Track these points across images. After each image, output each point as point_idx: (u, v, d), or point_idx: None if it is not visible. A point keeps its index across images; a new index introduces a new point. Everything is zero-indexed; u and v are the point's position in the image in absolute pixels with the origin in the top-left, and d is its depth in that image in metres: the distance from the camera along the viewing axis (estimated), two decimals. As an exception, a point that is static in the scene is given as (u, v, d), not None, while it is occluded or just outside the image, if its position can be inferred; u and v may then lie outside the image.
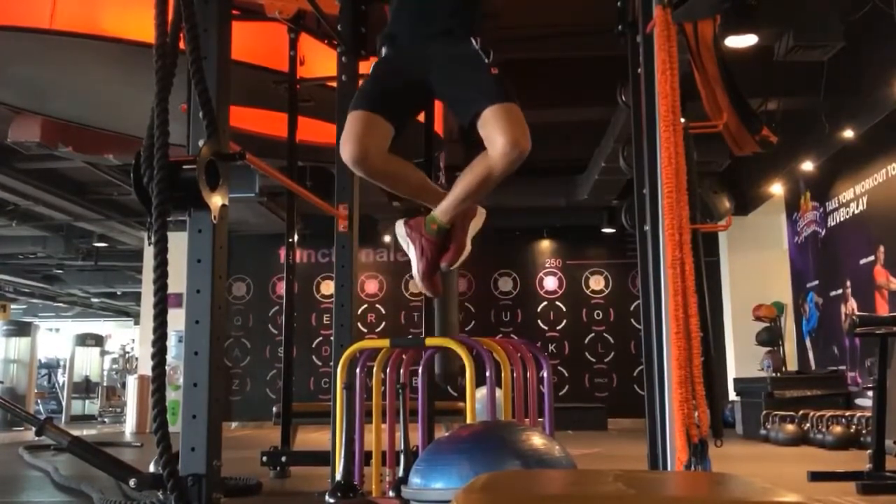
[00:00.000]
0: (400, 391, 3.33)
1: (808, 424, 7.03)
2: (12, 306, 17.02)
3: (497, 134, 2.24)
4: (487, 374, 3.16)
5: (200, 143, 2.40)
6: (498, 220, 4.25)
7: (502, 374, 3.24)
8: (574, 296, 11.41)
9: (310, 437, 6.45)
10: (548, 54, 6.41)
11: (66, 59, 4.87)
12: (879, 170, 7.31)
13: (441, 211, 2.44)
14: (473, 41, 2.43)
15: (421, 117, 4.11)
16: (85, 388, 15.85)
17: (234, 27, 2.68)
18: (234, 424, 10.67)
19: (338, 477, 3.30)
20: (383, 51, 2.53)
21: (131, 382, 10.96)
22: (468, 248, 2.52)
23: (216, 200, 2.41)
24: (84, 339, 16.23)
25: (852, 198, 7.94)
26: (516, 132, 2.24)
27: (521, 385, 3.29)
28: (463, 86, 2.41)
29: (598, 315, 11.34)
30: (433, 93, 2.55)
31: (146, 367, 10.16)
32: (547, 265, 11.55)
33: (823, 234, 8.76)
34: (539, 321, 11.39)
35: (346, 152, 2.34)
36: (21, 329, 13.64)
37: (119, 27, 4.48)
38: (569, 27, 5.25)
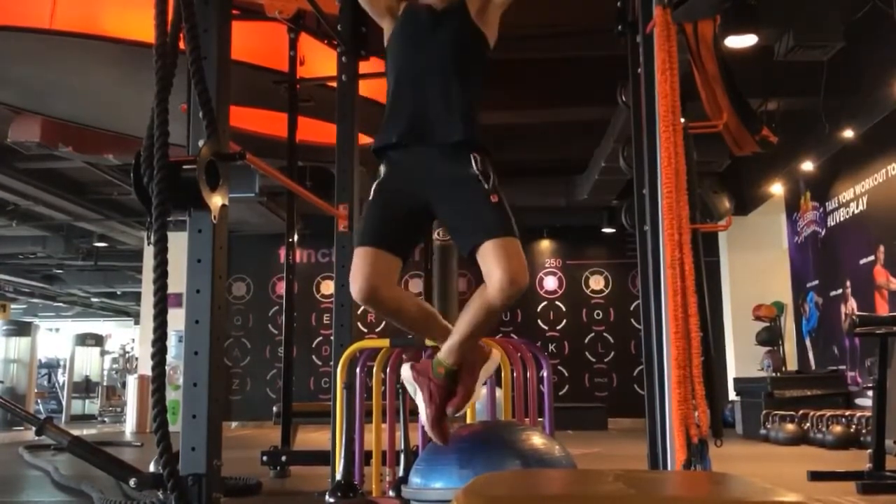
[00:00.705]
0: (400, 391, 3.33)
1: (808, 424, 7.03)
2: (12, 306, 17.02)
3: (495, 268, 2.20)
4: (487, 374, 3.15)
5: (200, 143, 2.40)
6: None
7: (502, 374, 3.24)
8: (574, 296, 11.41)
9: (310, 437, 6.45)
10: (548, 54, 6.40)
11: (66, 59, 4.88)
12: (879, 170, 7.31)
13: (446, 352, 2.37)
14: (473, 161, 2.35)
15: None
16: (85, 387, 15.84)
17: (234, 27, 2.68)
18: (234, 424, 10.68)
19: (338, 477, 3.30)
20: (381, 170, 2.46)
21: (131, 382, 10.97)
22: (478, 392, 2.45)
23: (216, 200, 2.41)
24: (84, 339, 16.23)
25: (852, 198, 7.93)
26: (514, 268, 2.21)
27: (521, 385, 3.29)
28: (463, 215, 2.35)
29: (598, 315, 11.34)
30: (434, 215, 2.46)
31: (146, 367, 10.16)
32: (547, 265, 11.55)
33: (823, 234, 8.76)
34: (539, 321, 11.39)
35: (356, 290, 2.30)
36: (21, 329, 13.63)
37: (119, 27, 4.48)
38: (569, 27, 5.25)
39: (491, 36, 2.54)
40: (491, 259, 2.22)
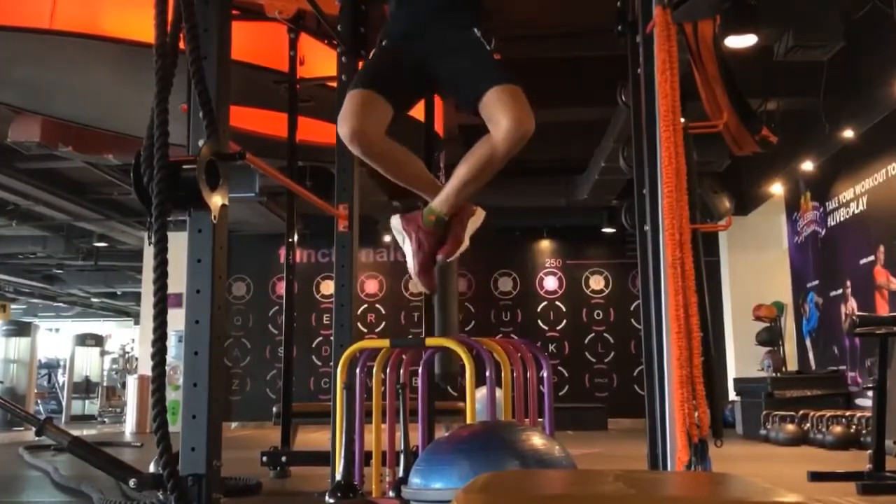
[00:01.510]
0: (400, 391, 3.33)
1: (808, 424, 7.03)
2: (12, 306, 17.02)
3: (501, 114, 2.23)
4: (487, 374, 3.16)
5: (200, 143, 2.40)
6: (498, 220, 4.26)
7: (502, 374, 3.24)
8: (574, 296, 11.41)
9: (310, 437, 6.45)
10: (548, 54, 6.40)
11: (67, 59, 4.87)
12: (879, 170, 7.31)
13: (441, 200, 2.42)
14: (476, 30, 2.44)
15: (421, 117, 4.11)
16: (85, 388, 15.85)
17: (234, 27, 2.68)
18: (234, 424, 10.68)
19: (338, 477, 3.30)
20: (383, 42, 2.53)
21: (131, 382, 10.97)
22: (466, 243, 2.49)
23: (216, 200, 2.40)
24: (84, 339, 16.23)
25: (852, 198, 7.93)
26: (520, 112, 2.24)
27: (521, 385, 3.29)
28: (465, 68, 2.40)
29: (598, 315, 11.34)
30: (434, 78, 2.53)
31: (146, 367, 10.16)
32: (547, 265, 11.55)
33: (823, 233, 8.76)
34: (539, 321, 11.39)
35: (344, 129, 2.32)
36: (21, 329, 13.64)
37: (119, 27, 4.48)
38: (569, 27, 5.25)
39: None
40: (497, 105, 2.26)
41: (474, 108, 2.32)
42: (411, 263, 2.47)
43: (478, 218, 2.55)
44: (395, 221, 2.51)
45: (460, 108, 2.51)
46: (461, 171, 2.37)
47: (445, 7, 2.48)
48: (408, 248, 2.47)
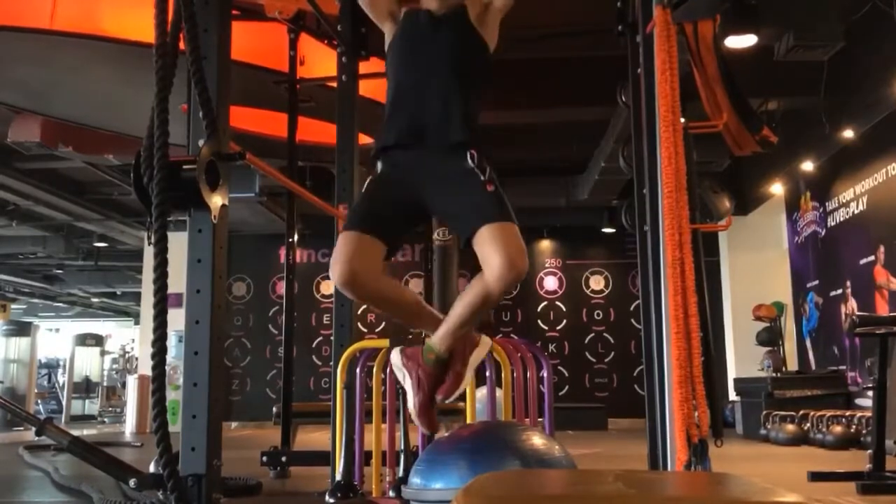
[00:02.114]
0: (400, 391, 3.33)
1: (808, 424, 7.03)
2: (12, 306, 17.02)
3: (493, 255, 2.18)
4: (487, 374, 3.16)
5: (200, 143, 2.40)
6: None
7: (502, 374, 3.24)
8: (574, 296, 11.42)
9: (310, 437, 6.45)
10: (548, 54, 6.39)
11: (67, 59, 4.88)
12: (879, 170, 7.31)
13: (438, 339, 2.35)
14: (469, 157, 2.35)
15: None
16: (85, 388, 15.85)
17: (234, 27, 2.68)
18: (234, 424, 10.68)
19: (338, 477, 3.30)
20: (378, 166, 2.46)
21: (131, 382, 10.97)
22: (467, 378, 2.42)
23: (216, 200, 2.41)
24: (84, 339, 16.23)
25: (852, 198, 7.93)
26: (512, 253, 2.18)
27: (521, 385, 3.29)
28: (459, 204, 2.34)
29: (598, 315, 11.34)
30: (428, 210, 2.48)
31: (146, 367, 10.16)
32: (547, 265, 11.55)
33: (823, 234, 8.76)
34: (539, 321, 11.39)
35: (335, 274, 2.27)
36: (21, 329, 13.65)
37: (119, 27, 4.48)
38: (569, 27, 5.24)
39: (491, 41, 2.54)
40: (488, 244, 2.21)
41: (468, 245, 2.28)
42: (411, 402, 2.39)
43: (482, 349, 2.48)
44: (396, 357, 2.44)
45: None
46: (457, 311, 2.32)
47: (442, 117, 2.40)
48: (408, 385, 2.40)
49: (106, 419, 14.31)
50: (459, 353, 2.38)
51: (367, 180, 2.47)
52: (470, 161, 2.35)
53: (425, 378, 2.36)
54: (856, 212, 7.88)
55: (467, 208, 2.31)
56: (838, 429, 6.54)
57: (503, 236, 2.21)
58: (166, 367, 2.26)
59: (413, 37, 2.52)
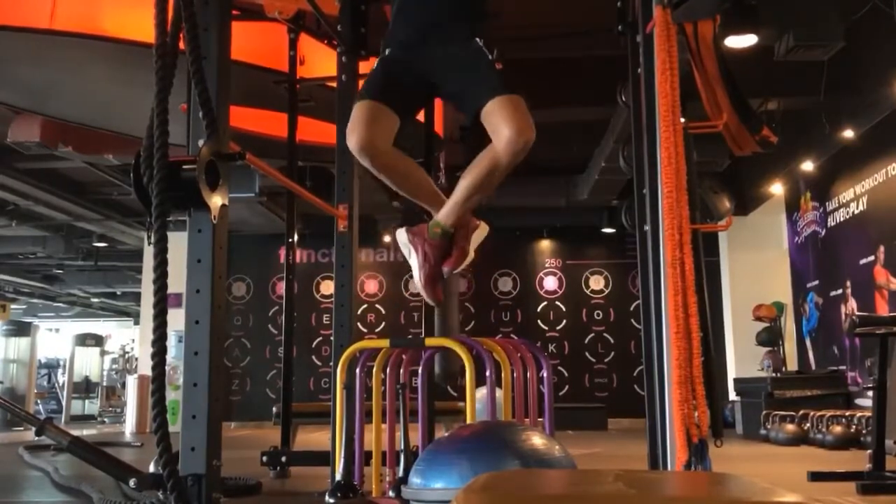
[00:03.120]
0: (400, 391, 3.33)
1: (808, 424, 7.03)
2: (12, 306, 17.02)
3: (502, 124, 2.26)
4: (487, 374, 3.16)
5: (200, 143, 2.39)
6: (498, 220, 4.25)
7: (502, 374, 3.24)
8: (574, 296, 11.42)
9: (310, 437, 6.45)
10: (548, 54, 6.40)
11: (66, 59, 4.87)
12: (879, 170, 7.31)
13: (446, 213, 2.44)
14: (477, 40, 2.44)
15: (421, 117, 4.11)
16: (85, 388, 15.86)
17: (234, 27, 2.68)
18: (234, 424, 10.67)
19: (338, 477, 3.30)
20: (386, 52, 2.54)
21: (131, 382, 10.97)
22: (471, 255, 2.50)
23: (216, 200, 2.40)
24: (84, 339, 16.24)
25: (852, 198, 7.94)
26: (521, 122, 2.26)
27: (521, 385, 3.29)
28: (467, 79, 2.42)
29: (598, 315, 11.34)
30: (437, 88, 2.55)
31: (146, 367, 10.16)
32: (547, 265, 11.55)
33: (823, 234, 8.76)
34: (539, 321, 11.39)
35: (353, 139, 2.34)
36: (21, 329, 13.65)
37: (119, 27, 4.48)
38: (569, 27, 5.25)
39: None
40: (498, 115, 2.29)
41: (476, 118, 2.34)
42: (417, 276, 2.47)
43: (482, 231, 2.57)
44: (402, 235, 2.52)
45: (463, 116, 2.51)
46: (465, 183, 2.38)
47: (447, 16, 2.49)
48: (414, 261, 2.48)
49: (106, 419, 14.31)
50: (463, 229, 2.48)
51: (378, 58, 2.53)
52: (479, 41, 2.44)
53: (431, 251, 2.44)
54: (856, 212, 7.88)
55: (476, 82, 2.40)
56: (838, 429, 6.54)
57: (513, 107, 2.30)
58: (166, 367, 2.26)
59: None
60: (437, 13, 2.49)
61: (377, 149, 2.35)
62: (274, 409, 6.14)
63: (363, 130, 2.33)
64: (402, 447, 3.33)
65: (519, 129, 2.25)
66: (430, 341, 3.33)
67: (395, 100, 2.41)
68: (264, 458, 4.60)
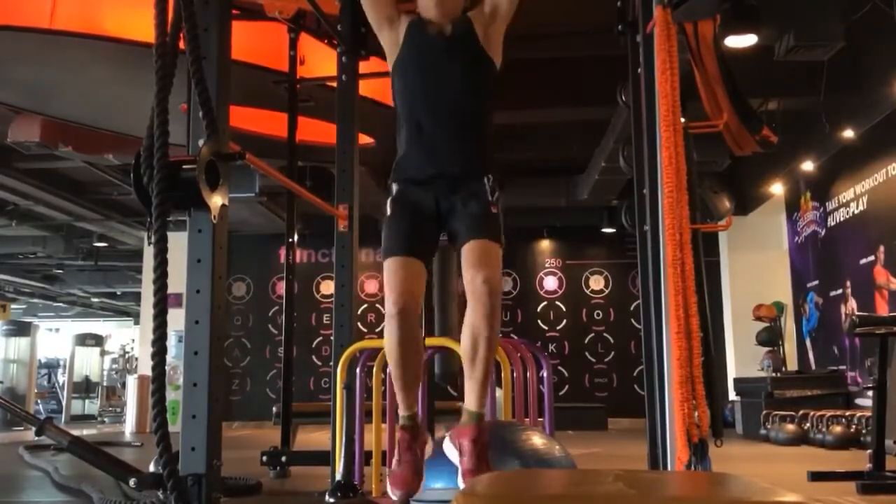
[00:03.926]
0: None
1: (808, 424, 7.03)
2: (12, 306, 17.02)
3: (472, 269, 2.28)
4: (487, 374, 3.15)
5: (200, 143, 2.39)
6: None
7: (502, 374, 3.24)
8: (574, 296, 11.41)
9: (310, 437, 6.45)
10: (548, 54, 6.40)
11: (67, 59, 4.87)
12: (879, 170, 7.31)
13: (477, 399, 2.33)
14: (486, 180, 2.45)
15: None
16: (85, 388, 15.85)
17: (234, 27, 2.68)
18: (234, 424, 10.67)
19: (338, 477, 3.30)
20: (394, 187, 2.51)
21: (131, 382, 10.97)
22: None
23: (216, 200, 2.40)
24: (84, 339, 16.23)
25: (852, 198, 7.93)
26: (489, 269, 2.27)
27: (521, 385, 3.29)
28: (462, 217, 2.42)
29: (598, 315, 11.34)
30: (444, 224, 2.51)
31: (146, 367, 10.16)
32: (547, 265, 11.55)
33: (823, 234, 8.76)
34: (539, 321, 11.39)
35: (395, 301, 2.29)
36: (21, 329, 13.64)
37: (119, 27, 4.48)
38: (569, 27, 5.24)
39: (497, 59, 2.57)
40: (470, 257, 2.31)
41: (459, 249, 2.37)
42: (467, 470, 2.28)
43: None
44: (447, 446, 2.38)
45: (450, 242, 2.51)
46: (477, 373, 2.30)
47: (461, 153, 2.47)
48: (466, 453, 2.31)
49: (106, 419, 14.31)
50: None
51: (388, 204, 2.50)
52: (486, 182, 2.45)
53: (465, 440, 2.32)
54: (856, 212, 7.88)
55: (467, 221, 2.40)
56: (838, 429, 6.54)
57: (485, 252, 2.31)
58: (166, 367, 2.26)
59: (425, 66, 2.53)
60: (450, 151, 2.47)
61: (416, 304, 2.33)
62: (274, 409, 6.14)
63: (405, 290, 2.30)
64: (402, 447, 3.32)
65: (485, 276, 2.25)
66: (430, 341, 3.33)
67: (419, 250, 2.40)
68: (264, 458, 4.60)
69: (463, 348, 2.31)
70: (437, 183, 2.45)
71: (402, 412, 2.41)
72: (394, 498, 2.36)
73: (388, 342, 2.33)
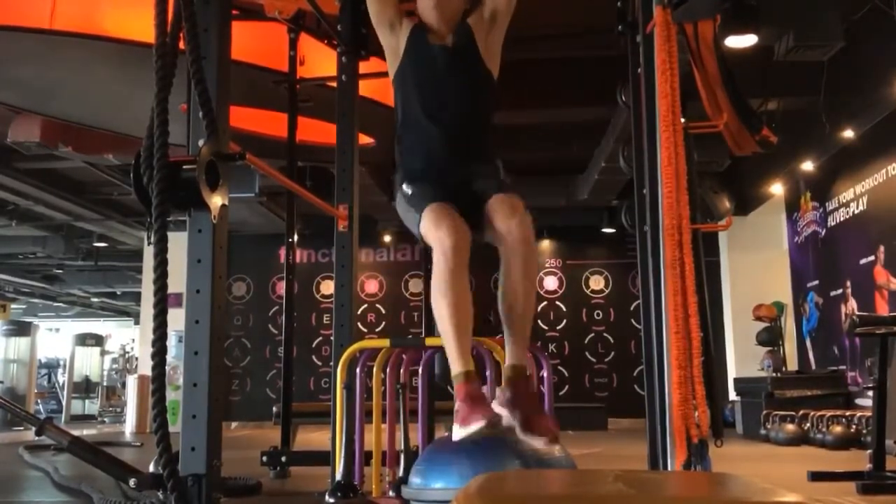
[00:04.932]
0: (400, 391, 3.33)
1: (808, 424, 7.03)
2: (12, 306, 17.02)
3: (504, 217, 2.33)
4: (487, 373, 3.16)
5: (200, 143, 2.39)
6: (498, 219, 4.24)
7: (502, 374, 3.23)
8: (574, 296, 11.41)
9: (310, 437, 6.45)
10: (548, 54, 6.40)
11: (67, 59, 4.87)
12: (879, 170, 7.31)
13: (520, 353, 2.42)
14: (497, 164, 2.58)
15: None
16: (85, 388, 15.85)
17: (234, 27, 2.68)
18: (234, 424, 10.68)
19: (338, 477, 3.30)
20: (407, 183, 2.54)
21: (131, 382, 10.97)
22: None
23: (216, 200, 2.40)
24: (84, 339, 16.23)
25: (852, 198, 7.93)
26: (522, 215, 2.35)
27: (521, 385, 3.28)
28: (484, 179, 2.50)
29: (598, 315, 11.34)
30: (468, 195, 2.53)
31: (146, 367, 10.15)
32: (547, 265, 11.55)
33: (823, 234, 8.76)
34: (539, 321, 11.38)
35: (448, 234, 2.24)
36: (21, 329, 13.65)
37: (119, 27, 4.48)
38: (569, 27, 5.24)
39: (495, 72, 2.62)
40: (504, 207, 2.35)
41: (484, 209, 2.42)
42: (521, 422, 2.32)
43: None
44: (500, 409, 2.33)
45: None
46: (523, 325, 2.43)
47: (467, 145, 2.54)
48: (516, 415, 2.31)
49: (106, 419, 14.30)
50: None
51: (405, 187, 2.53)
52: (499, 162, 2.59)
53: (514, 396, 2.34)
54: (856, 212, 7.88)
55: (493, 181, 2.49)
56: (838, 429, 6.54)
57: (518, 205, 2.37)
58: (166, 367, 2.26)
59: (427, 81, 2.56)
60: (455, 162, 2.54)
61: (468, 245, 2.28)
62: (274, 409, 6.14)
63: (454, 221, 2.27)
64: (402, 447, 3.33)
65: (520, 219, 2.34)
66: (430, 341, 3.33)
67: (456, 207, 2.37)
68: (264, 458, 4.60)
69: (506, 305, 2.38)
70: (453, 164, 2.52)
71: (458, 368, 2.25)
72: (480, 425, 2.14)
73: (441, 283, 2.24)
